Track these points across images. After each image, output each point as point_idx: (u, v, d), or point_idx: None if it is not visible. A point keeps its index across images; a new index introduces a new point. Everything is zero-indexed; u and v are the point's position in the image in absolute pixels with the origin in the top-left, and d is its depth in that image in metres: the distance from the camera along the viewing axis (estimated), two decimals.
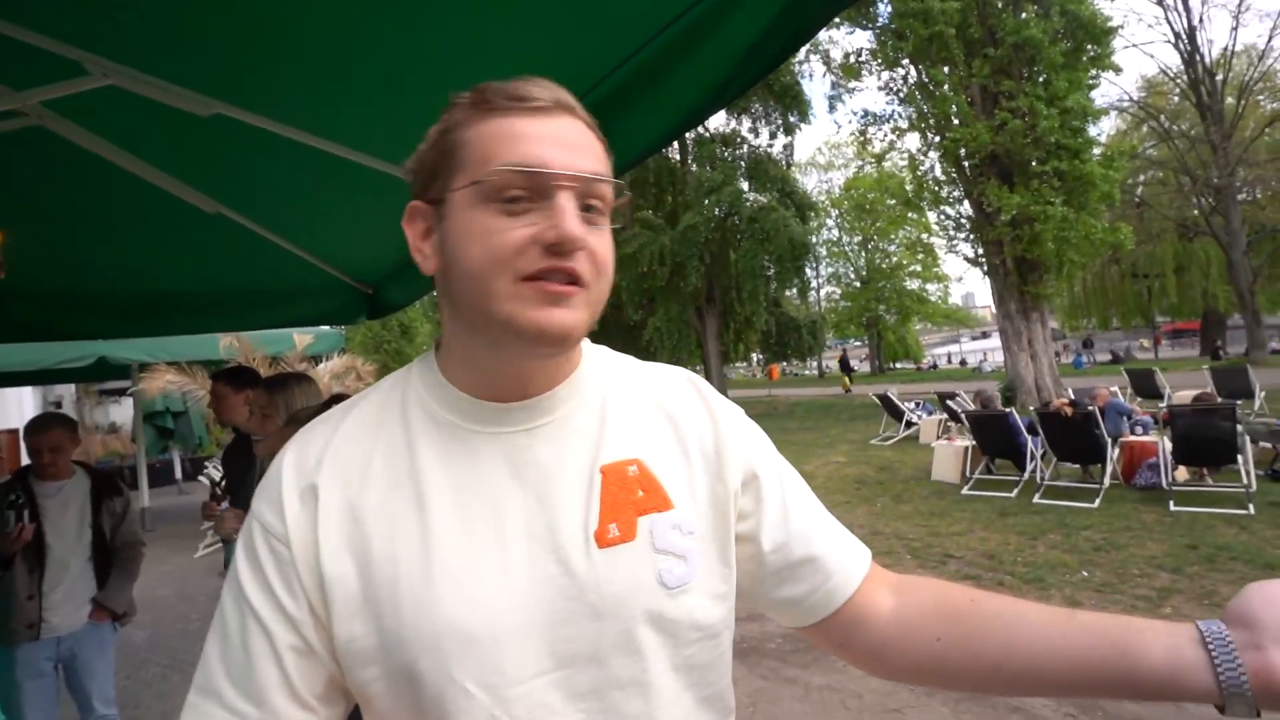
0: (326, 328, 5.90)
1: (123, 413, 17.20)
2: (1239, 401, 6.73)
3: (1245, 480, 5.45)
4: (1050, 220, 11.31)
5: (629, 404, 0.67)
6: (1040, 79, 11.79)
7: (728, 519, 0.65)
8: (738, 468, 0.66)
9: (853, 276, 36.66)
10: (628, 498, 0.61)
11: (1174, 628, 0.55)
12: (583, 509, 0.59)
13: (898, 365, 39.30)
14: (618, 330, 19.75)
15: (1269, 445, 6.23)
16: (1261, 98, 22.37)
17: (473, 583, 0.56)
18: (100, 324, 3.22)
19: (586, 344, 0.68)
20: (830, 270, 37.58)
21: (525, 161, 0.55)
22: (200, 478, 7.83)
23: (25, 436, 2.43)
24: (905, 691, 2.99)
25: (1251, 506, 5.23)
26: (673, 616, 0.59)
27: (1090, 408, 6.12)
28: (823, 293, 38.40)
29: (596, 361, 0.69)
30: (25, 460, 2.47)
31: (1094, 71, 12.10)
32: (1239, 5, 20.14)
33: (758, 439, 0.71)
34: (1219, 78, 20.53)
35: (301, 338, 6.09)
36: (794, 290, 22.87)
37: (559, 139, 0.57)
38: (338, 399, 2.16)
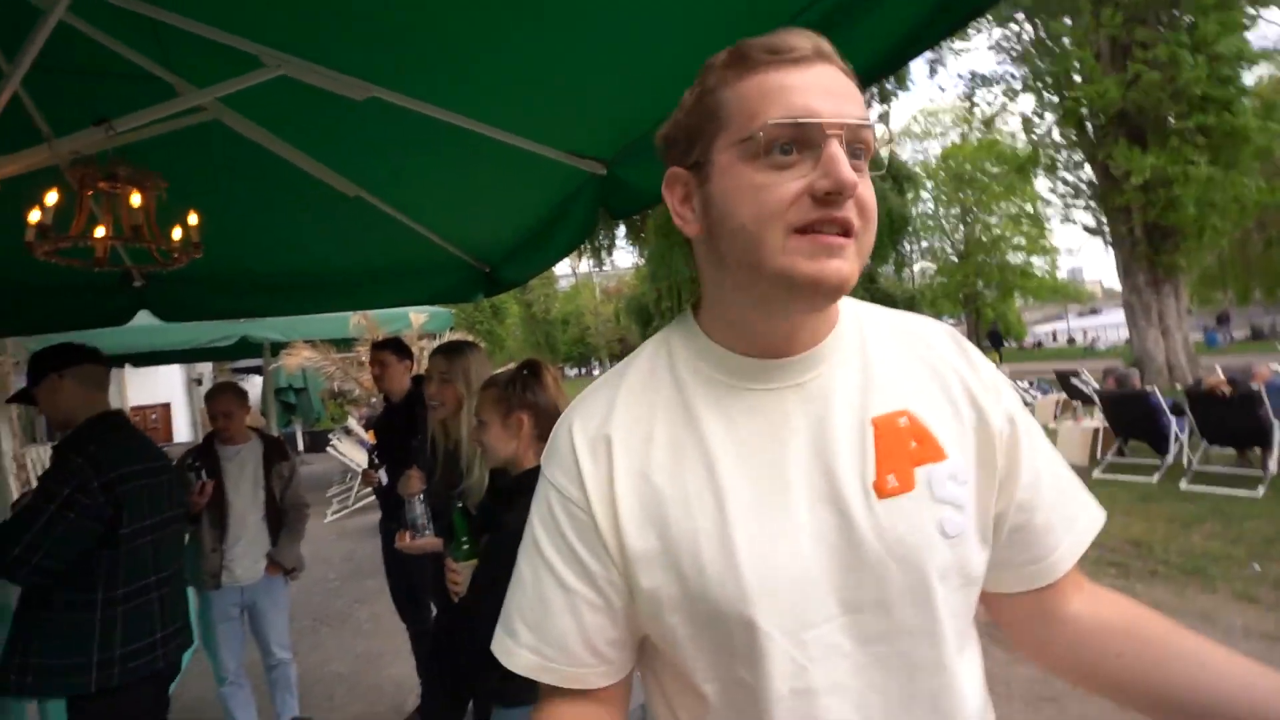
0: (438, 307, 6.13)
1: (251, 389, 18.78)
2: None
3: None
4: (1192, 182, 10.18)
5: (891, 356, 0.67)
6: (1185, 23, 10.56)
7: (992, 470, 0.64)
8: (999, 420, 0.65)
9: (949, 250, 34.68)
10: (902, 449, 0.61)
11: None
12: (858, 461, 0.60)
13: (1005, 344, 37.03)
14: None
15: None
16: None
17: (765, 537, 0.58)
18: (251, 304, 3.47)
19: (844, 299, 0.67)
20: (925, 244, 35.70)
21: (793, 113, 0.54)
22: (329, 449, 8.36)
23: (205, 403, 2.67)
24: (1059, 681, 2.79)
25: None
26: (953, 565, 0.60)
27: (1253, 386, 5.50)
28: (917, 268, 36.61)
29: (851, 316, 0.69)
30: (181, 432, 2.71)
31: (1251, 10, 10.72)
32: None
33: (1013, 395, 0.69)
34: None
35: (417, 316, 6.35)
36: (890, 265, 21.93)
37: (823, 87, 0.56)
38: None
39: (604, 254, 28.28)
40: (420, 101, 1.72)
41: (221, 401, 2.61)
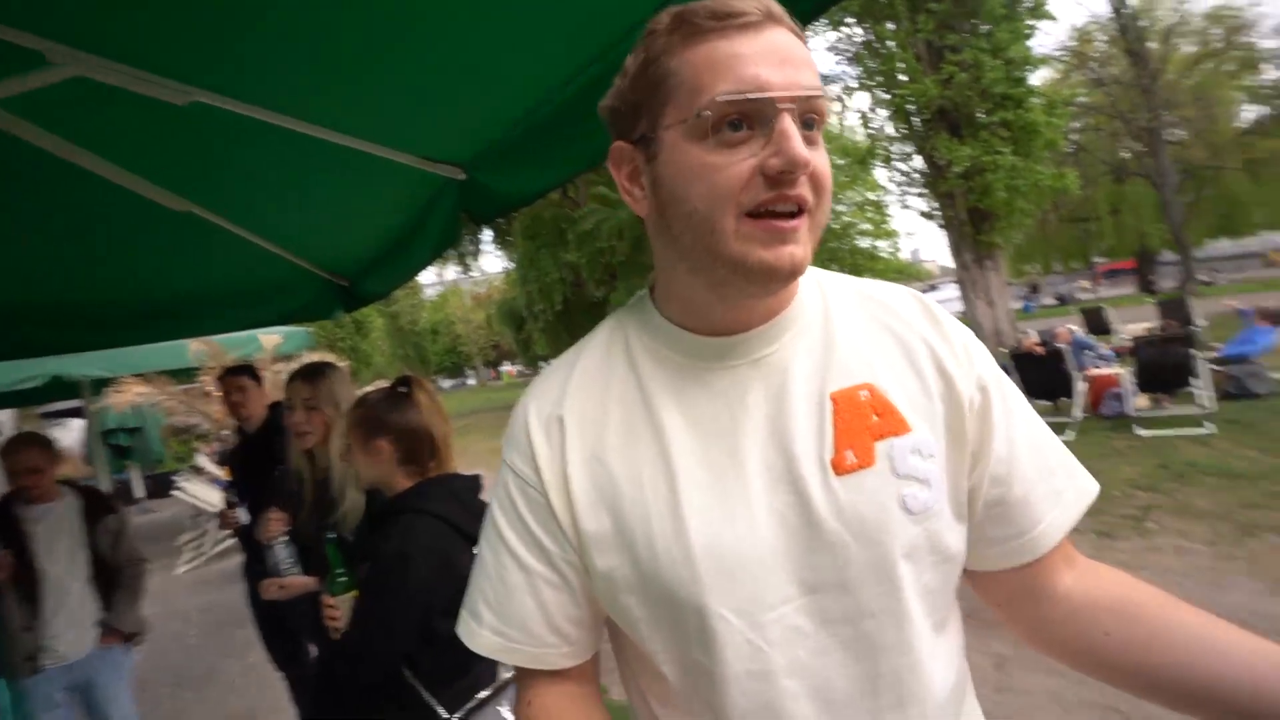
0: (294, 327, 5.66)
1: (66, 435, 16.42)
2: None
3: (1205, 402, 5.75)
4: (1000, 170, 11.59)
5: (854, 326, 0.64)
6: (983, 31, 11.96)
7: (963, 441, 0.62)
8: (969, 388, 0.63)
9: None
10: (862, 423, 0.59)
11: None
12: (816, 438, 0.59)
13: None
14: (581, 308, 19.59)
15: (1219, 370, 6.56)
16: (1181, 41, 23.22)
17: (719, 517, 0.57)
18: (58, 338, 3.01)
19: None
20: None
21: (742, 87, 0.51)
22: (175, 492, 7.48)
23: (1, 459, 2.29)
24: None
25: (1211, 424, 5.53)
26: (918, 543, 0.58)
27: (1058, 345, 6.35)
28: None
29: (813, 285, 0.66)
30: None
31: (1031, 22, 12.33)
32: None
33: (987, 359, 0.66)
34: (1144, 23, 21.21)
35: (269, 338, 5.83)
36: None
37: (775, 55, 0.52)
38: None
39: (470, 260, 27.45)
40: (254, 106, 1.57)
41: (24, 456, 2.25)
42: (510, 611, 0.63)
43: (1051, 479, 0.65)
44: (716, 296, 0.60)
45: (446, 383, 44.45)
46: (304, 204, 2.30)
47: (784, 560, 0.57)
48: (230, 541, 7.11)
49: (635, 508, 0.59)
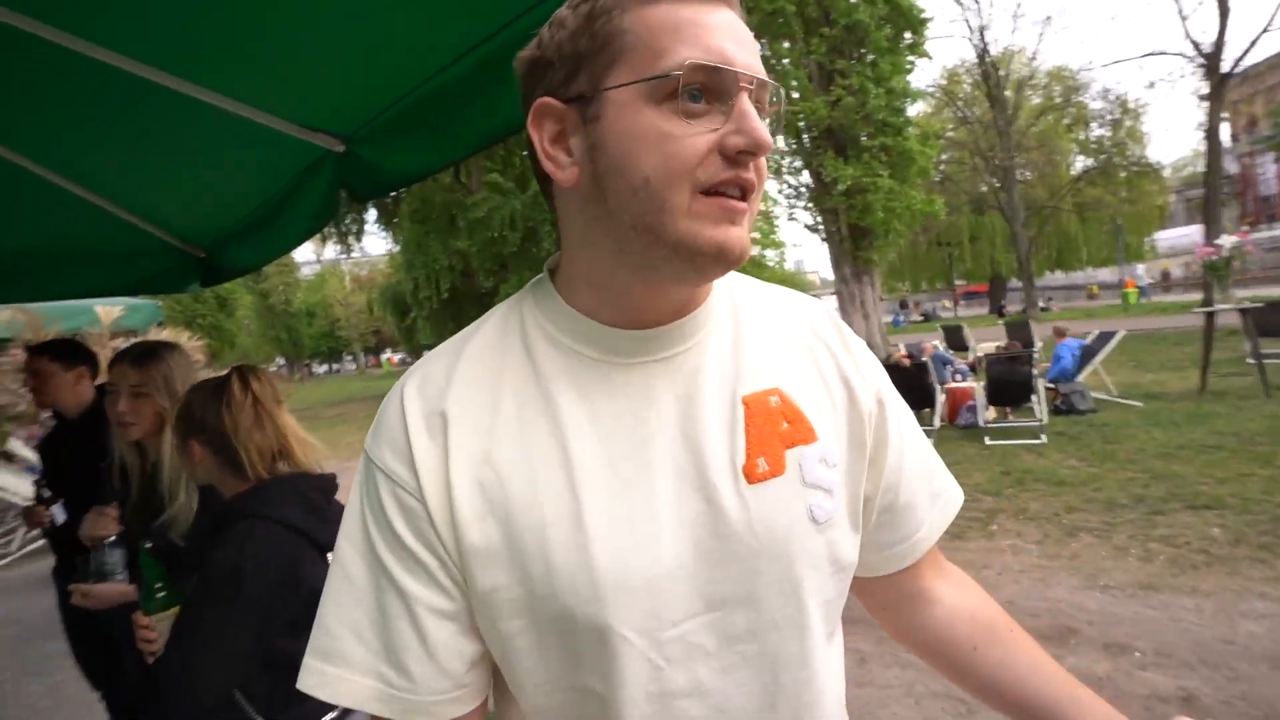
0: (140, 299, 5.02)
1: None
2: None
3: (1039, 415, 6.46)
4: (879, 191, 12.45)
5: (763, 330, 0.62)
6: (869, 60, 12.79)
7: (862, 450, 0.62)
8: (869, 400, 0.62)
9: None
10: (773, 430, 0.57)
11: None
12: (728, 443, 0.55)
13: None
14: (469, 297, 18.96)
15: (1051, 386, 7.40)
16: (1030, 93, 26.11)
17: (623, 528, 0.52)
18: None
19: None
20: None
21: (710, 56, 0.48)
22: None
23: None
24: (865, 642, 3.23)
25: (1044, 436, 6.22)
26: (822, 554, 0.57)
27: (923, 359, 6.89)
28: None
29: (723, 285, 0.63)
30: None
31: (911, 58, 13.34)
32: (1016, 9, 23.08)
33: (882, 372, 0.66)
34: (1002, 72, 23.61)
35: (108, 310, 5.10)
36: None
37: (735, 34, 0.50)
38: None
39: (352, 239, 25.80)
40: (81, 40, 1.33)
41: None
42: (389, 647, 0.53)
43: (931, 483, 0.68)
44: (642, 280, 0.54)
45: (320, 368, 41.57)
46: (153, 162, 2.00)
47: (691, 574, 0.53)
48: (40, 542, 6.22)
49: (529, 517, 0.52)
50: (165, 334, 6.19)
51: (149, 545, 1.28)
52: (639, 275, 0.54)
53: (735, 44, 0.49)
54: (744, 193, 0.51)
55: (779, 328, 0.63)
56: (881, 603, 0.72)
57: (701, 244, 0.49)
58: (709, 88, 0.49)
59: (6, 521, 6.58)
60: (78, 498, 2.04)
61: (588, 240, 0.55)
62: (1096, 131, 26.03)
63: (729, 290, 0.63)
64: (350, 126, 1.67)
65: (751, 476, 0.55)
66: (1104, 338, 7.79)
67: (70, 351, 2.35)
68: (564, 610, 0.51)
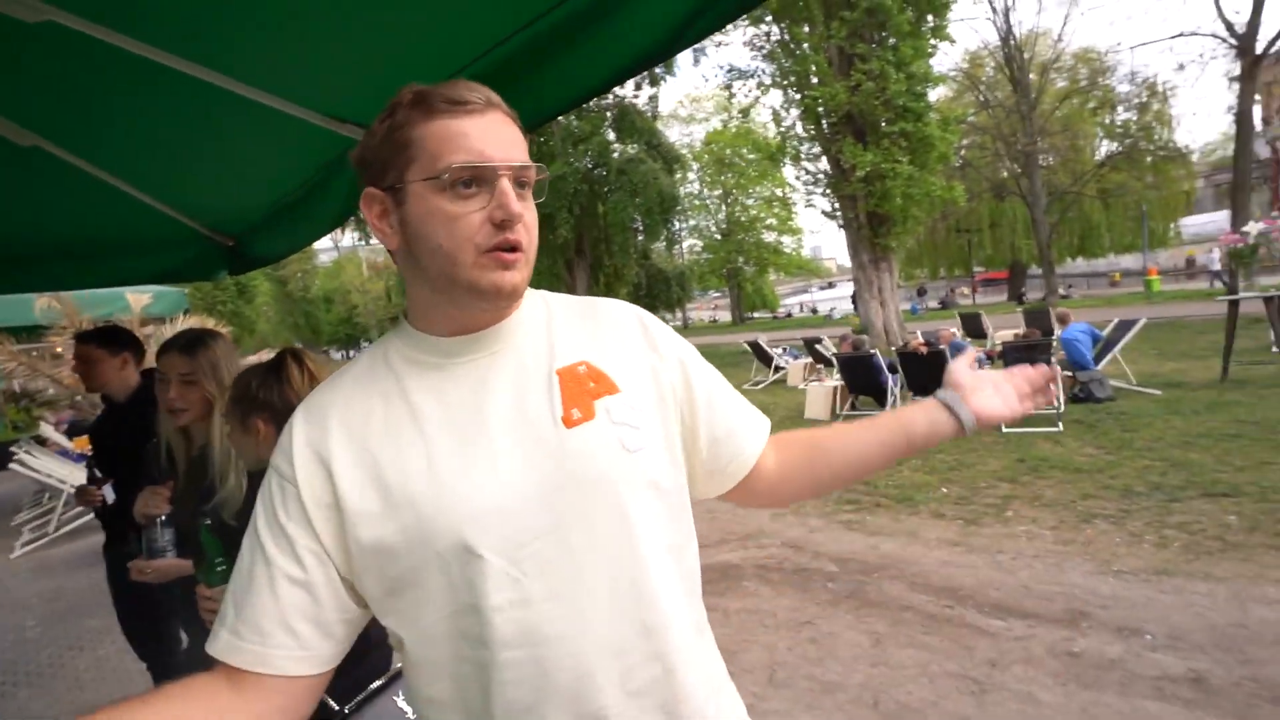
0: (166, 287, 5.15)
1: None
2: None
3: (1056, 404, 6.42)
4: (898, 177, 12.32)
5: (573, 323, 0.81)
6: (890, 44, 12.60)
7: (671, 399, 0.80)
8: (671, 361, 0.82)
9: (713, 229, 37.87)
10: (582, 388, 0.75)
11: (925, 404, 0.90)
12: (548, 402, 0.73)
13: (756, 315, 41.53)
14: None
15: (1069, 374, 7.34)
16: (1055, 76, 25.51)
17: (473, 473, 0.69)
18: None
19: (530, 290, 0.83)
20: (692, 223, 38.51)
21: (471, 158, 0.67)
22: (13, 465, 6.61)
23: None
24: (812, 606, 3.29)
25: (1061, 424, 6.19)
26: (639, 475, 0.73)
27: (940, 346, 6.87)
28: (685, 245, 39.32)
29: (539, 297, 0.84)
30: None
31: (933, 41, 13.12)
32: None
33: (683, 345, 0.86)
34: (1026, 55, 23.11)
35: (137, 298, 5.25)
36: (662, 243, 23.23)
37: (495, 135, 0.69)
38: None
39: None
40: (122, 35, 1.39)
41: None
42: (248, 607, 0.68)
43: (744, 415, 0.89)
44: (457, 309, 0.73)
45: (338, 354, 42.04)
46: (185, 153, 2.07)
47: (532, 503, 0.68)
48: (79, 521, 6.42)
49: (397, 478, 0.68)
50: (192, 321, 6.34)
51: (207, 522, 1.36)
52: (452, 304, 0.73)
53: (494, 144, 0.69)
54: (514, 247, 0.69)
55: (590, 321, 0.82)
56: (745, 492, 0.91)
57: (484, 286, 0.69)
58: (476, 177, 0.68)
59: (45, 503, 6.79)
60: (126, 478, 2.13)
61: (416, 283, 0.75)
62: (1123, 115, 25.41)
63: (544, 301, 0.83)
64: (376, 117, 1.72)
65: (568, 423, 0.72)
66: (1124, 326, 7.70)
67: (116, 338, 2.44)
68: (433, 542, 0.66)
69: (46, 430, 8.00)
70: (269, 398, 1.34)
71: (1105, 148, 26.45)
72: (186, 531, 1.70)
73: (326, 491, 0.69)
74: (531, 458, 0.69)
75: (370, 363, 0.78)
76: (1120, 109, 25.19)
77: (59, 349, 6.82)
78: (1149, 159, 24.74)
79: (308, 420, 0.73)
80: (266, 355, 1.52)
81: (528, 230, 0.71)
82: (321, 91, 1.65)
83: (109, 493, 2.29)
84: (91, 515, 2.66)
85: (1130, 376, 7.72)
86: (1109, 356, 7.56)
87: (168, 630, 2.40)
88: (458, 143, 0.67)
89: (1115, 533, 3.84)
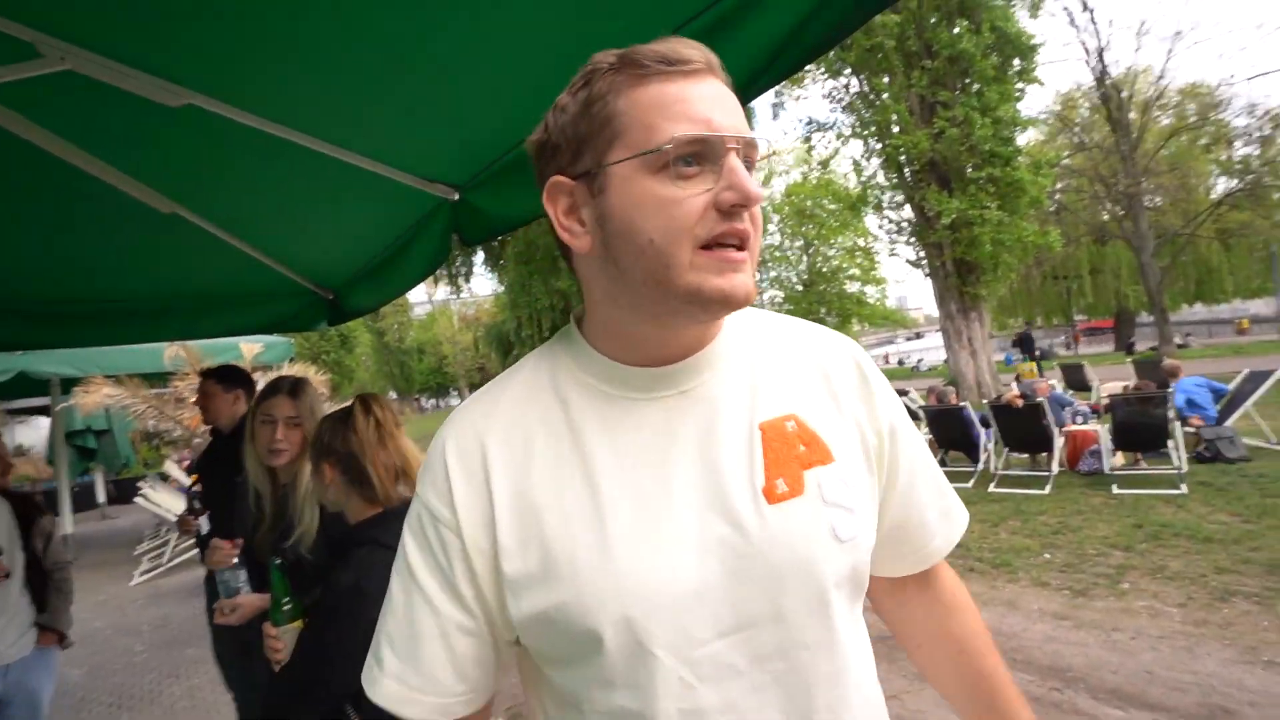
0: (276, 336, 5.59)
1: (31, 434, 15.99)
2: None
3: (1177, 462, 5.81)
4: (987, 224, 11.86)
5: (780, 360, 0.67)
6: (974, 90, 12.35)
7: (878, 473, 0.67)
8: (884, 426, 0.68)
9: (795, 280, 37.51)
10: (790, 452, 0.61)
11: None
12: (747, 466, 0.59)
13: None
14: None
15: (1192, 431, 6.65)
16: (1159, 114, 24.12)
17: (648, 550, 0.56)
18: (37, 334, 2.96)
19: None
20: (773, 274, 38.32)
21: (695, 126, 0.54)
22: (137, 499, 7.24)
23: None
24: (899, 679, 3.04)
25: (1184, 486, 5.58)
26: (846, 570, 0.60)
27: (1038, 400, 6.41)
28: (765, 297, 39.06)
29: (742, 322, 0.69)
30: None
31: (1020, 85, 12.75)
32: (1140, 27, 21.60)
33: (897, 403, 0.72)
34: (1125, 94, 22.04)
35: (250, 347, 5.73)
36: None
37: (720, 101, 0.56)
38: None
39: (461, 281, 27.44)
40: (248, 114, 1.56)
41: None
42: (418, 657, 0.61)
43: (941, 502, 0.75)
44: (657, 326, 0.60)
45: (429, 402, 43.94)
46: (294, 214, 2.28)
47: (717, 593, 0.56)
48: (192, 553, 6.89)
49: (562, 542, 0.57)
50: (296, 368, 6.84)
51: (278, 562, 1.42)
52: (654, 322, 0.60)
53: (720, 111, 0.55)
54: (741, 243, 0.56)
55: (796, 359, 0.67)
56: (896, 600, 0.79)
57: (708, 292, 0.55)
58: (699, 153, 0.54)
59: (161, 535, 7.35)
60: (218, 509, 2.28)
61: (607, 296, 0.61)
62: (1241, 150, 23.61)
63: (746, 326, 0.68)
64: (464, 176, 1.83)
65: (771, 497, 0.58)
66: (1257, 378, 6.94)
67: (232, 376, 2.68)
68: (595, 628, 0.55)
69: (170, 468, 8.72)
70: (334, 444, 1.38)
71: (1222, 185, 24.56)
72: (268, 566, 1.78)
73: (486, 538, 0.59)
74: (720, 535, 0.57)
75: (533, 379, 0.65)
76: (1238, 144, 23.42)
77: (183, 393, 7.48)
78: (1277, 195, 22.72)
79: (462, 453, 0.61)
80: None
81: (755, 222, 0.57)
82: (415, 155, 1.78)
83: (204, 524, 2.45)
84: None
85: (1268, 434, 6.91)
86: (1240, 410, 6.81)
87: (254, 664, 2.51)
88: (679, 109, 0.54)
89: (1262, 614, 3.36)
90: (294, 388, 1.84)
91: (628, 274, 0.57)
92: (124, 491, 10.82)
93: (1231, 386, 7.05)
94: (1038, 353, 13.10)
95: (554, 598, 0.56)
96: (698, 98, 0.55)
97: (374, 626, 0.65)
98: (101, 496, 11.35)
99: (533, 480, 0.59)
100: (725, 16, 1.20)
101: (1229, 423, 6.71)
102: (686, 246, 0.54)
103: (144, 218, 2.04)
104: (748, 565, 0.56)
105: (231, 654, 2.58)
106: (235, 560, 1.82)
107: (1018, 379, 9.92)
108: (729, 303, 0.56)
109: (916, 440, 0.72)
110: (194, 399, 2.70)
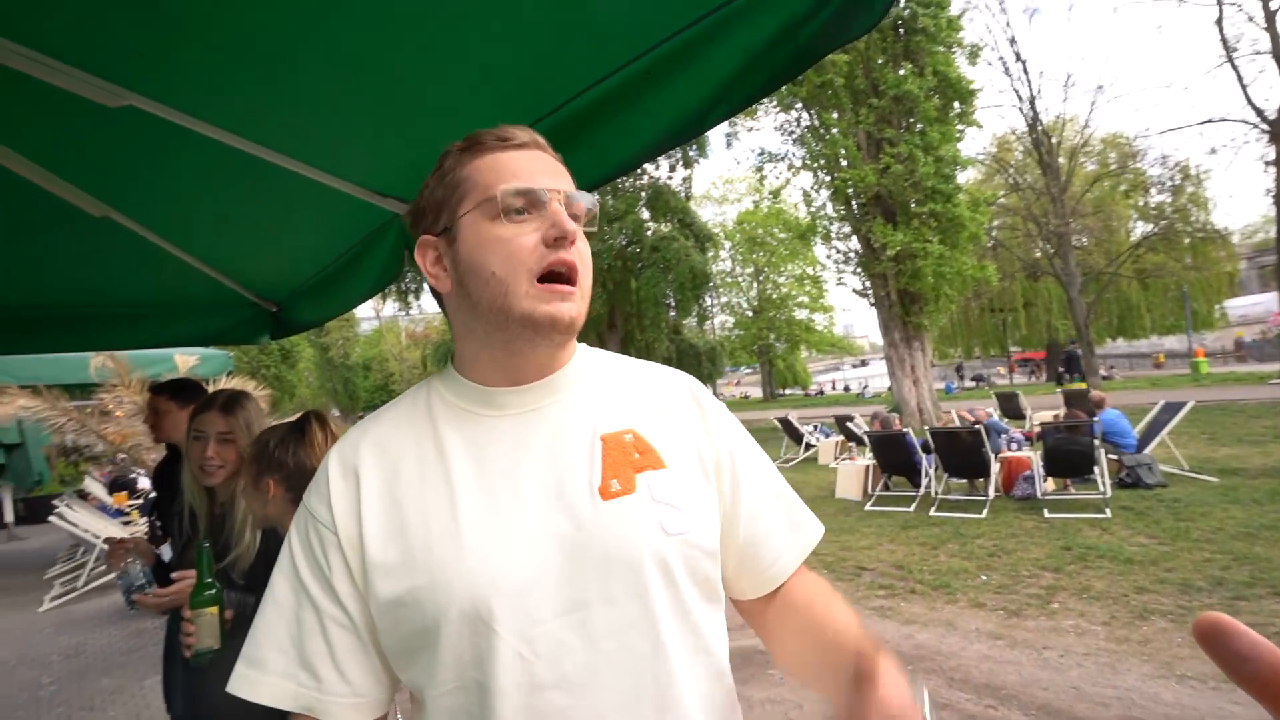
0: (213, 349, 5.36)
1: None
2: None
3: (1102, 488, 6.12)
4: (929, 257, 12.37)
5: (623, 386, 0.77)
6: (918, 129, 12.95)
7: (716, 483, 0.75)
8: (722, 446, 0.76)
9: (745, 306, 38.22)
10: (626, 458, 0.70)
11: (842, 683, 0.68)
12: (587, 469, 0.68)
13: (787, 391, 41.13)
14: None
15: (1114, 458, 7.03)
16: (1084, 159, 25.78)
17: (495, 541, 0.64)
18: None
19: (581, 345, 0.81)
20: (724, 300, 38.98)
21: (523, 181, 0.68)
22: (52, 518, 6.74)
23: None
24: None
25: (1109, 510, 5.88)
26: (676, 560, 0.67)
27: (975, 426, 6.67)
28: (717, 321, 39.65)
29: (592, 355, 0.81)
30: None
31: (961, 126, 13.45)
32: (1067, 79, 23.15)
33: (736, 428, 0.81)
34: (1054, 140, 23.49)
35: (185, 359, 5.46)
36: (694, 318, 23.45)
37: (542, 166, 0.71)
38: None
39: (410, 297, 26.90)
40: (193, 118, 1.51)
41: None
42: (303, 653, 0.66)
43: (790, 516, 0.80)
44: (507, 352, 0.71)
45: None
46: (237, 223, 2.20)
47: (554, 577, 0.63)
48: (109, 576, 6.46)
49: (420, 535, 0.65)
50: (235, 382, 6.54)
51: (205, 544, 1.35)
52: (504, 347, 0.71)
53: (543, 173, 0.70)
54: (570, 276, 0.68)
55: (638, 386, 0.78)
56: (758, 613, 0.80)
57: (539, 317, 0.67)
58: (528, 202, 0.68)
59: (77, 558, 6.87)
60: (166, 528, 2.14)
61: (466, 328, 0.74)
62: (1157, 198, 25.41)
63: (596, 360, 0.80)
64: (415, 191, 1.81)
65: (605, 494, 0.67)
66: (1171, 408, 7.40)
67: (185, 390, 2.52)
68: (447, 608, 0.62)
69: (90, 484, 8.19)
70: (284, 458, 1.34)
71: (1141, 229, 26.33)
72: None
73: (355, 529, 0.67)
74: (560, 528, 0.65)
75: (411, 405, 0.75)
76: (1154, 191, 25.20)
77: (109, 406, 7.07)
78: (1187, 240, 24.48)
79: (342, 463, 0.71)
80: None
81: (582, 259, 0.69)
82: (365, 167, 1.75)
83: (166, 551, 2.30)
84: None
85: (1182, 461, 7.36)
86: (1157, 439, 7.24)
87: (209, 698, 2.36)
88: (509, 171, 0.69)
89: (1176, 631, 3.56)
90: (227, 402, 1.77)
91: (479, 305, 0.69)
92: (36, 511, 10.10)
93: (1148, 418, 7.49)
94: (1074, 376, 13.48)
95: (410, 583, 0.63)
96: (524, 162, 0.70)
97: None
98: (9, 515, 10.55)
99: (400, 483, 0.68)
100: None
101: (1147, 450, 7.12)
102: (524, 277, 0.66)
103: (72, 220, 1.94)
104: (582, 553, 0.64)
105: (175, 680, 2.42)
106: (130, 558, 1.72)
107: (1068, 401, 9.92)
108: (556, 326, 0.67)
109: (760, 460, 0.81)
110: (119, 412, 2.55)
